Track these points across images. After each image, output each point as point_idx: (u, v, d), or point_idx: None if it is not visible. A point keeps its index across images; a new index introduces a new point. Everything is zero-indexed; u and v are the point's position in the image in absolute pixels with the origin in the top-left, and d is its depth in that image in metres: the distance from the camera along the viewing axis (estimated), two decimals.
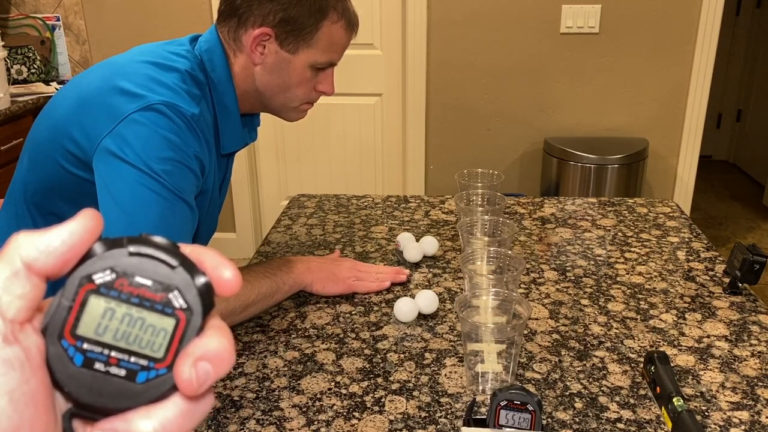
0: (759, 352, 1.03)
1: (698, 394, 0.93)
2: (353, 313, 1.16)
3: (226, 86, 1.13)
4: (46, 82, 2.99)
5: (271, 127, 3.02)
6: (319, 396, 0.94)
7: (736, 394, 0.93)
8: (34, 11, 3.09)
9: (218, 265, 0.29)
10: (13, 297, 0.26)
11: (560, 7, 2.83)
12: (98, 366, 0.27)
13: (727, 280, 1.25)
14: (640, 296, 1.21)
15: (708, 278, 1.27)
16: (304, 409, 0.91)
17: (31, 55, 2.99)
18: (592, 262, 1.34)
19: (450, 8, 2.87)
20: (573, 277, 1.28)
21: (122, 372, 0.28)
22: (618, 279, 1.27)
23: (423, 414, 0.90)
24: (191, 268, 0.28)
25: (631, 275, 1.28)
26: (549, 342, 1.07)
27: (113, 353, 0.28)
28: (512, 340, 0.94)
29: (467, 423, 0.86)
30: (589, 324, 1.12)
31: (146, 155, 0.96)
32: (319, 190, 3.21)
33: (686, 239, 1.45)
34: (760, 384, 0.96)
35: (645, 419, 0.88)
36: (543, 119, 3.00)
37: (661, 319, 1.13)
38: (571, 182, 2.79)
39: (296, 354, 1.04)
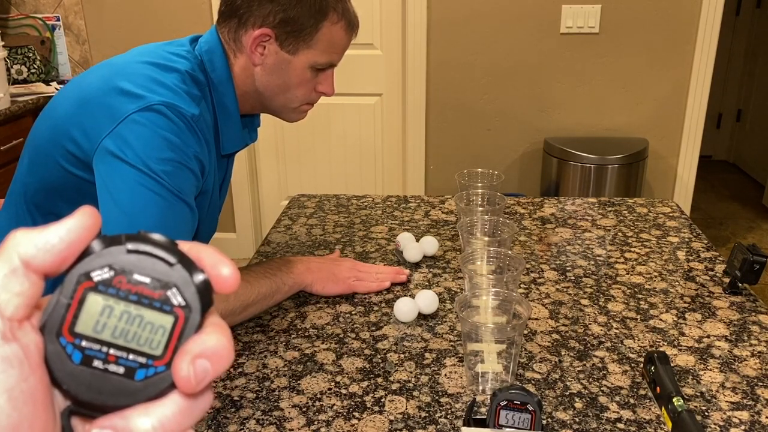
0: (759, 352, 1.03)
1: (698, 394, 0.93)
2: (353, 313, 1.16)
3: (226, 87, 1.13)
4: (46, 82, 2.99)
5: (271, 127, 3.02)
6: (319, 396, 0.94)
7: (736, 394, 0.93)
8: (34, 11, 3.09)
9: (217, 262, 0.29)
10: (12, 294, 0.26)
11: (560, 7, 2.83)
12: (97, 363, 0.27)
13: (727, 280, 1.25)
14: (640, 296, 1.20)
15: (708, 278, 1.27)
16: (304, 409, 0.91)
17: (31, 55, 2.99)
18: (592, 262, 1.34)
19: (450, 8, 2.87)
20: (573, 277, 1.28)
21: (121, 369, 0.28)
22: (618, 279, 1.27)
23: (423, 414, 0.90)
24: (190, 265, 0.28)
25: (631, 275, 1.28)
26: (549, 342, 1.06)
27: (112, 351, 0.28)
28: (512, 340, 0.94)
29: (467, 423, 0.86)
30: (589, 324, 1.12)
31: (146, 156, 0.96)
32: (319, 190, 3.21)
33: (686, 239, 1.45)
34: (760, 384, 0.95)
35: (645, 419, 0.88)
36: (543, 119, 3.00)
37: (661, 319, 1.13)
38: (571, 182, 2.79)
39: (296, 354, 1.04)
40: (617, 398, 0.93)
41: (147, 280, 0.28)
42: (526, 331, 1.09)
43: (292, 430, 0.88)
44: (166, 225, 0.96)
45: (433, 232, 1.49)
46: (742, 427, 0.86)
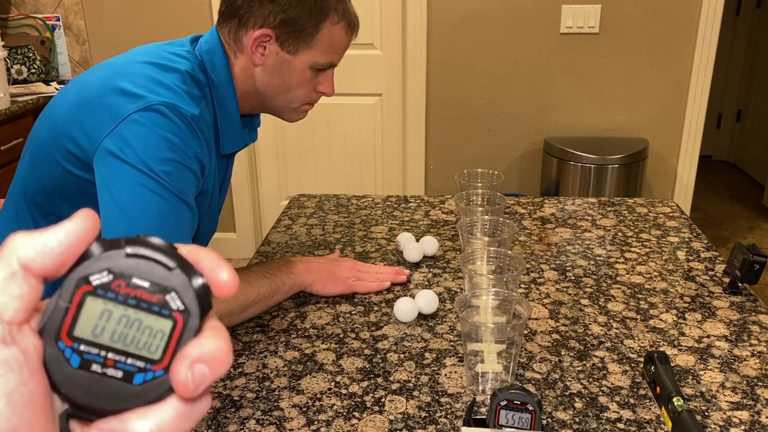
0: (759, 352, 1.03)
1: (698, 394, 0.93)
2: (353, 313, 1.16)
3: (226, 87, 1.13)
4: (46, 82, 2.99)
5: (271, 127, 3.01)
6: (319, 396, 0.94)
7: (736, 394, 0.93)
8: (34, 11, 3.09)
9: (216, 266, 0.29)
10: (11, 298, 0.26)
11: (560, 7, 2.83)
12: (95, 367, 0.27)
13: (727, 280, 1.25)
14: (640, 296, 1.20)
15: (708, 278, 1.27)
16: (304, 409, 0.91)
17: (31, 55, 2.99)
18: (592, 262, 1.34)
19: (450, 8, 2.87)
20: (573, 277, 1.28)
21: (119, 373, 0.28)
22: (618, 279, 1.27)
23: (423, 414, 0.90)
24: (188, 269, 0.28)
25: (631, 275, 1.28)
26: (549, 342, 1.06)
27: (110, 355, 0.28)
28: (512, 340, 0.94)
29: (467, 423, 0.86)
30: (589, 324, 1.12)
31: (146, 156, 0.96)
32: (319, 190, 3.21)
33: (686, 239, 1.45)
34: (760, 384, 0.95)
35: (645, 419, 0.88)
36: (543, 119, 2.99)
37: (661, 319, 1.13)
38: (571, 182, 2.79)
39: (296, 354, 1.04)
40: (617, 398, 0.93)
41: (146, 284, 0.28)
42: (526, 331, 1.09)
43: (292, 430, 0.88)
44: (166, 225, 0.97)
45: (433, 232, 1.49)
46: (742, 427, 0.87)
